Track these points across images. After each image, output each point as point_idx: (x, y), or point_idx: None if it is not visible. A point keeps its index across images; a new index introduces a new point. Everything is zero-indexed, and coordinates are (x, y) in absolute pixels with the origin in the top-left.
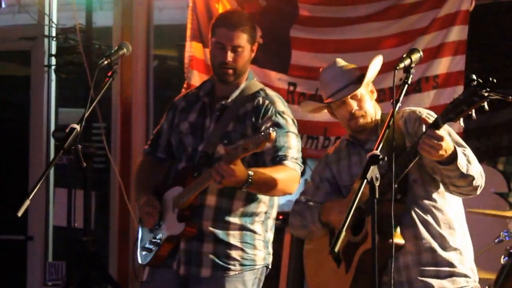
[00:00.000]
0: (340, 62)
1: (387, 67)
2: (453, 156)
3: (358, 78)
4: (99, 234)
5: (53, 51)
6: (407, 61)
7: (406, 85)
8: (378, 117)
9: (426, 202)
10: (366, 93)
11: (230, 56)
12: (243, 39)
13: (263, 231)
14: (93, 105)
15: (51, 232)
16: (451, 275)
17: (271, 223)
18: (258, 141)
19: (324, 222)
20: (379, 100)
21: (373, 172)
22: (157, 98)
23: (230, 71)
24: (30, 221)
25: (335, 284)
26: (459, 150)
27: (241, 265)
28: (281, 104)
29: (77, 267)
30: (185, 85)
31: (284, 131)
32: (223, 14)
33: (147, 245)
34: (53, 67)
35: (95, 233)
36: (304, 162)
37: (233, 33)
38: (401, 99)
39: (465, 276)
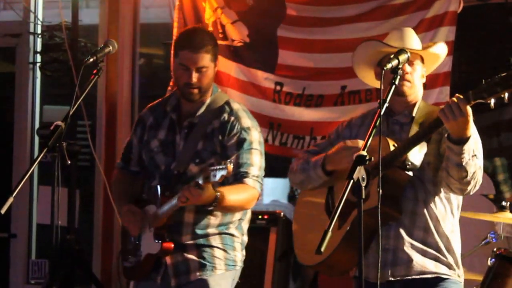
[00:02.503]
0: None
1: None
2: (465, 140)
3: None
4: (83, 232)
5: (38, 48)
6: (395, 62)
7: (394, 86)
8: (419, 99)
9: (432, 187)
10: (421, 69)
11: (195, 77)
12: (206, 59)
13: (240, 234)
14: (78, 102)
15: (34, 230)
16: (436, 259)
17: (245, 227)
18: (215, 173)
19: (329, 171)
20: (365, 100)
21: (360, 172)
22: (142, 97)
23: (196, 90)
24: (13, 219)
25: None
26: (472, 142)
27: (226, 264)
28: (246, 119)
29: (60, 265)
30: (171, 83)
31: (248, 148)
32: (186, 35)
33: (130, 259)
34: (38, 64)
35: (79, 231)
36: (290, 162)
37: (197, 55)
38: (388, 99)
39: (449, 266)
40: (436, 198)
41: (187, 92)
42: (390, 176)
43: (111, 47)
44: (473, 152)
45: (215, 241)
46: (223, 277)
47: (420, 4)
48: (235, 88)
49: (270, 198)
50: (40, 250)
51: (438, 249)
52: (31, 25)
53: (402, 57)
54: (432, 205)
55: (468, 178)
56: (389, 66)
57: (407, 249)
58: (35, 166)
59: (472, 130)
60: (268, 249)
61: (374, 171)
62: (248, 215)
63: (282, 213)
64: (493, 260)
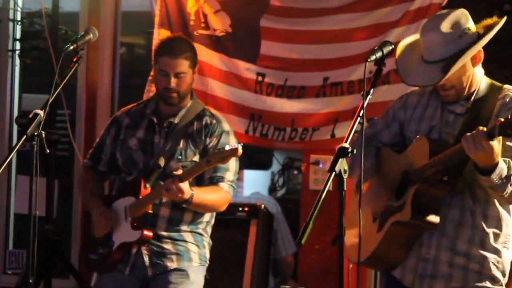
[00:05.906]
0: (446, 27)
1: (358, 59)
2: (491, 169)
3: (458, 52)
4: (61, 223)
5: (18, 36)
6: (379, 54)
7: (376, 79)
8: (476, 83)
9: (481, 190)
10: (468, 61)
11: (173, 82)
12: (185, 65)
13: (207, 235)
14: (58, 91)
15: (12, 220)
16: (479, 272)
17: (210, 231)
18: (223, 155)
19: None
20: (347, 92)
21: (342, 164)
22: (123, 86)
23: (174, 94)
24: None
25: (365, 234)
26: (500, 167)
27: (199, 259)
28: (226, 124)
29: (38, 256)
30: (152, 73)
31: None
32: (166, 42)
33: (98, 250)
34: (17, 52)
35: (57, 221)
36: (271, 154)
37: (176, 61)
38: (371, 91)
39: (493, 278)
40: (485, 204)
41: (167, 96)
42: (427, 189)
43: (91, 35)
44: (507, 171)
45: (188, 237)
46: (199, 270)
47: None
48: (216, 79)
49: (250, 190)
50: (17, 240)
51: (483, 263)
52: (11, 12)
53: (387, 49)
54: (481, 214)
55: (508, 194)
56: (372, 58)
57: (448, 263)
58: (13, 155)
59: (495, 158)
60: (248, 241)
61: (415, 178)
62: (213, 220)
63: (262, 205)
64: None
